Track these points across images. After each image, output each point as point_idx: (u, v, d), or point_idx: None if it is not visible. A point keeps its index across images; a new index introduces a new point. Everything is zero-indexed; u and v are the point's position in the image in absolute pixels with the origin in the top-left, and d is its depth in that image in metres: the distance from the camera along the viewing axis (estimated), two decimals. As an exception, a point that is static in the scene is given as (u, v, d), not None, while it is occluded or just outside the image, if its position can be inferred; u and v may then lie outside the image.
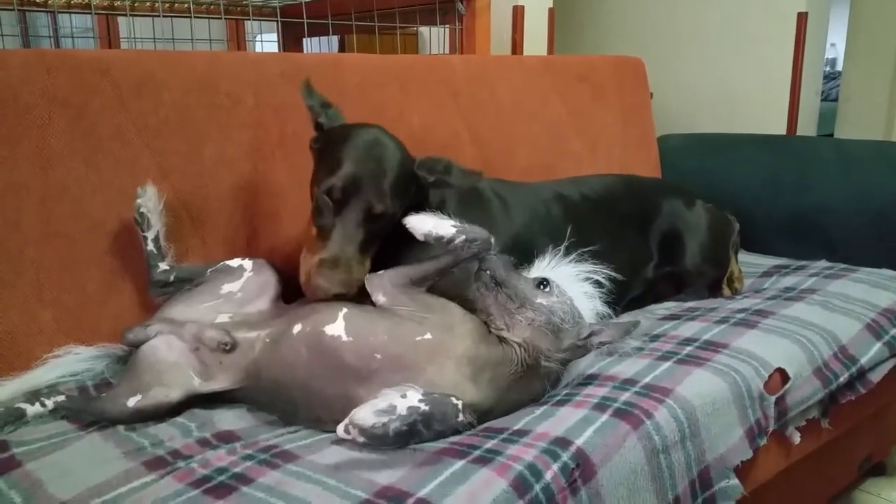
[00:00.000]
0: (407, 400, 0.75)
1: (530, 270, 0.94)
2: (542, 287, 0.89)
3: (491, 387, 0.86)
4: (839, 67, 4.42)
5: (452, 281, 0.93)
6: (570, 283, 0.92)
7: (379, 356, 0.85)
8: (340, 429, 0.79)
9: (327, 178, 0.94)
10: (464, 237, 0.88)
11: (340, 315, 0.89)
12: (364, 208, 0.94)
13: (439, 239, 0.88)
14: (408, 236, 1.02)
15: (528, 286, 0.89)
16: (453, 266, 0.91)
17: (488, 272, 0.89)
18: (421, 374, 0.84)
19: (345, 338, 0.86)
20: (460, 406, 0.75)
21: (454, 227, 0.88)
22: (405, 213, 1.00)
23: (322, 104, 1.03)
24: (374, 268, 0.96)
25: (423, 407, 0.74)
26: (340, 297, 0.92)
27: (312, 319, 0.89)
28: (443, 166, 1.01)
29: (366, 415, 0.73)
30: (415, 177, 1.01)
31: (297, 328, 0.89)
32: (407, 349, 0.85)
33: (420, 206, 1.05)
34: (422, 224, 0.89)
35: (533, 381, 0.89)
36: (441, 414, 0.75)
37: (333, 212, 0.94)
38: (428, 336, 0.86)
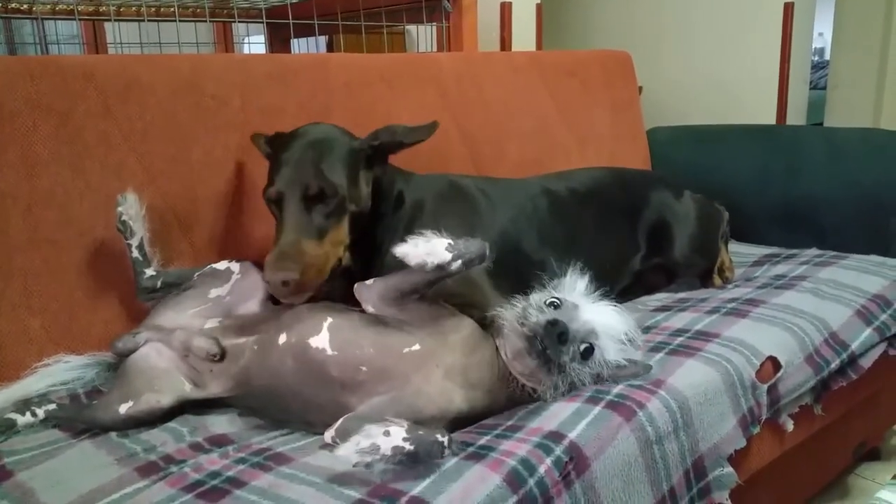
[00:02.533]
0: (391, 439, 0.70)
1: (557, 291, 0.88)
2: (584, 355, 0.84)
3: (485, 398, 0.85)
4: (827, 56, 4.43)
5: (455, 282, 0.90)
6: (609, 319, 0.86)
7: (364, 368, 0.84)
8: (328, 437, 0.79)
9: (268, 188, 0.96)
10: (460, 262, 0.83)
11: (325, 326, 0.87)
12: (300, 193, 0.93)
13: (436, 268, 0.83)
14: (386, 241, 1.01)
15: (570, 354, 0.83)
16: (445, 278, 0.87)
17: (546, 351, 0.81)
18: (407, 384, 0.83)
19: (329, 351, 0.85)
20: (446, 442, 0.72)
21: (448, 250, 0.83)
22: (374, 193, 1.00)
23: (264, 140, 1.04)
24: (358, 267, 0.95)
25: (408, 447, 0.71)
26: (306, 288, 0.90)
27: (297, 330, 0.88)
28: (388, 130, 1.01)
29: (348, 454, 0.70)
30: (353, 150, 0.99)
31: (282, 339, 0.88)
32: (393, 361, 0.84)
33: (396, 207, 1.05)
34: (414, 252, 0.83)
35: (526, 397, 0.87)
36: (426, 453, 0.71)
37: (279, 214, 0.94)
38: (416, 347, 0.85)
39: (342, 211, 0.96)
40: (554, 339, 0.80)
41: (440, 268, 0.82)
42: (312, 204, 0.94)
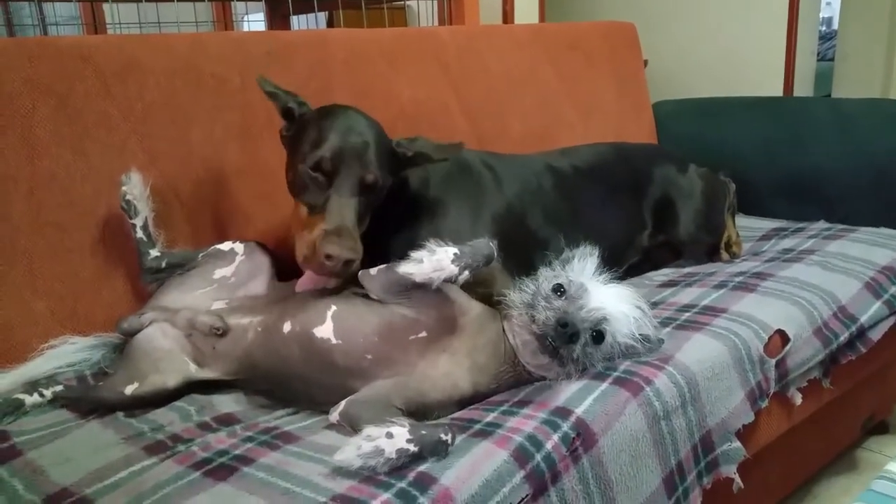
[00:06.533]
0: (394, 441, 0.69)
1: (563, 272, 0.87)
2: (596, 340, 0.83)
3: (491, 381, 0.85)
4: (835, 26, 4.37)
5: None
6: (620, 302, 0.85)
7: (369, 356, 0.83)
8: (332, 418, 0.80)
9: (314, 152, 0.92)
10: (467, 272, 0.81)
11: (329, 315, 0.86)
12: (357, 178, 0.92)
13: (445, 281, 0.81)
14: (393, 219, 1.00)
15: (581, 344, 0.81)
16: None
17: (558, 350, 0.80)
18: (413, 369, 0.83)
19: (334, 341, 0.85)
20: (450, 440, 0.71)
21: (455, 262, 0.80)
22: (390, 193, 0.98)
23: (285, 92, 1.01)
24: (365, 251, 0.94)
25: (412, 448, 0.69)
26: (345, 270, 0.88)
27: (301, 319, 0.87)
28: (420, 143, 1.00)
29: (350, 458, 0.69)
30: (394, 152, 0.99)
31: (287, 327, 0.88)
32: (398, 348, 0.84)
33: (402, 186, 1.03)
34: (419, 270, 0.81)
35: (532, 378, 0.87)
36: (430, 452, 0.71)
37: (325, 185, 0.92)
38: (423, 334, 0.84)
39: (372, 207, 0.95)
40: (565, 340, 0.79)
41: (447, 281, 0.81)
42: (361, 189, 0.92)
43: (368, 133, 0.96)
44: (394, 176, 0.99)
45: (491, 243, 0.84)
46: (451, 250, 0.81)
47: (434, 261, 0.80)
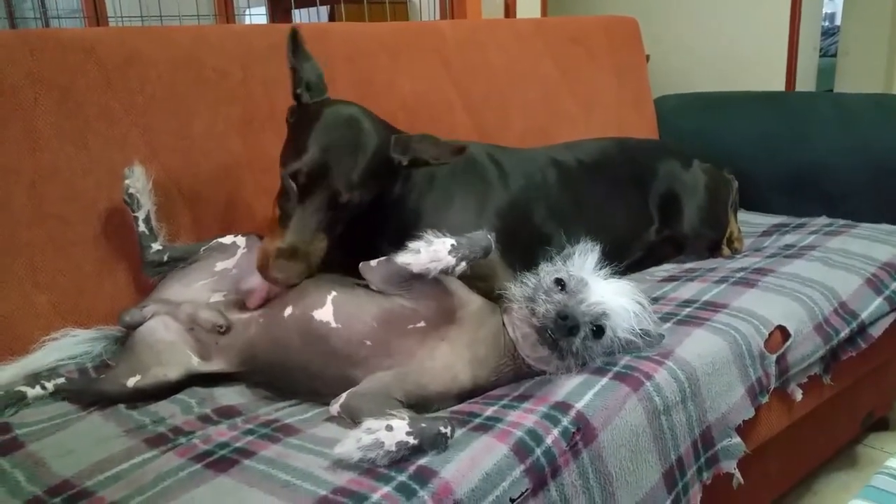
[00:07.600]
0: (394, 434, 0.69)
1: (564, 267, 0.87)
2: (596, 334, 0.83)
3: (491, 374, 0.85)
4: (838, 22, 4.36)
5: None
6: (620, 297, 0.85)
7: (368, 343, 0.84)
8: (333, 410, 0.80)
9: (294, 160, 0.90)
10: (464, 263, 0.81)
11: (329, 299, 0.87)
12: (329, 197, 0.90)
13: (442, 272, 0.81)
14: (397, 212, 0.99)
15: (581, 338, 0.81)
16: None
17: (557, 342, 0.80)
18: (412, 359, 0.83)
19: (333, 324, 0.85)
20: (449, 433, 0.72)
21: (452, 254, 0.81)
22: (380, 196, 0.97)
23: (307, 69, 0.97)
24: (350, 248, 0.93)
25: (412, 441, 0.70)
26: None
27: (302, 303, 0.88)
28: (422, 145, 0.96)
29: (350, 451, 0.69)
30: (389, 160, 0.95)
31: (287, 311, 0.88)
32: (397, 336, 0.84)
33: (407, 179, 1.02)
34: (417, 260, 0.81)
35: (533, 372, 0.87)
36: (430, 445, 0.71)
37: (297, 198, 0.90)
38: (421, 324, 0.85)
39: (351, 217, 0.94)
40: (564, 332, 0.79)
41: (444, 272, 0.82)
42: (332, 207, 0.91)
43: (362, 144, 0.92)
44: (387, 182, 0.97)
45: (489, 235, 0.84)
46: (449, 241, 0.82)
47: (431, 251, 0.81)
